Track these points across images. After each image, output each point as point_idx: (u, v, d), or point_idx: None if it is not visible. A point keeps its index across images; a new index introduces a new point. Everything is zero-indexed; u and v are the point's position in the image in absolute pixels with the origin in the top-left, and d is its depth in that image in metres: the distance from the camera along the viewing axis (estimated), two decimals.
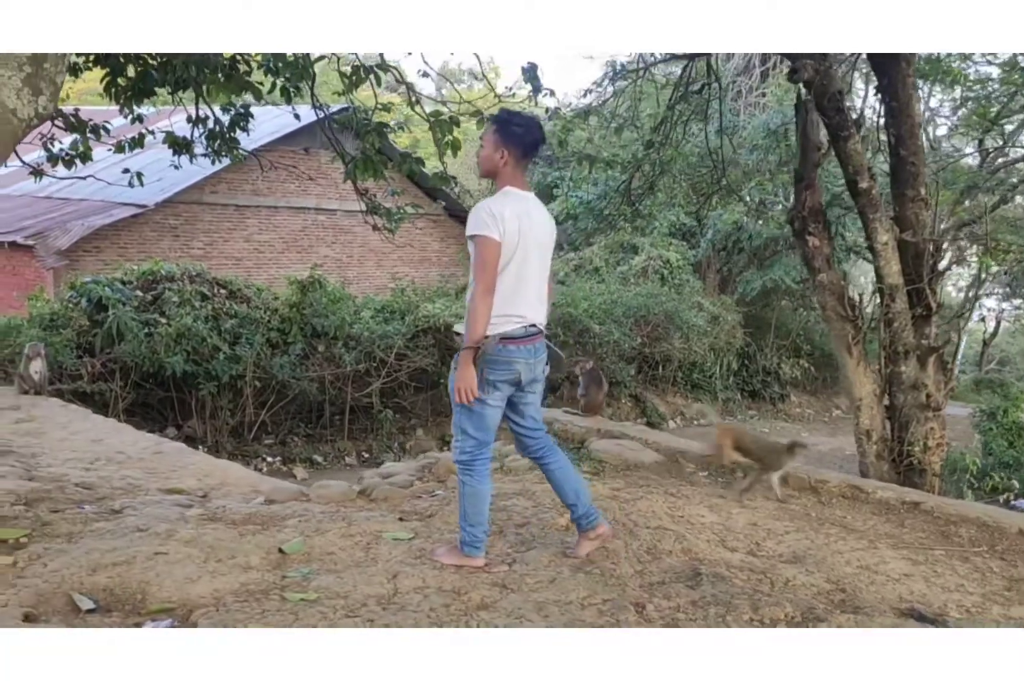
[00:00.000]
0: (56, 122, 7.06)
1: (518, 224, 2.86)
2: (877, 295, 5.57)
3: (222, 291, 9.09)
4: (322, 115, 6.53)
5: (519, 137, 2.92)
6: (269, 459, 9.33)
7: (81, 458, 5.23)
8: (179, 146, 6.90)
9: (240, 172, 15.00)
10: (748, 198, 11.40)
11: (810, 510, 4.04)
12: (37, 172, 7.39)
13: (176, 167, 6.92)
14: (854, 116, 5.36)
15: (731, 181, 6.74)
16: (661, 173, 6.98)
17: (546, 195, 20.03)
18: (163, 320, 8.41)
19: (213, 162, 7.07)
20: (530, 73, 4.94)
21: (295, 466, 9.34)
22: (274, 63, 6.28)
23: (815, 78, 4.96)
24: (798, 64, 4.97)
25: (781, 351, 17.59)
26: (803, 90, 5.30)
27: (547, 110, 6.33)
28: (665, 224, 16.73)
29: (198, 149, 6.86)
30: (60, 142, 7.32)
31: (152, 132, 6.88)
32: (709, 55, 6.13)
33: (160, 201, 13.86)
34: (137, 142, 6.96)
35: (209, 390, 8.61)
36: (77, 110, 7.03)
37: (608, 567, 2.99)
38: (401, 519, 3.46)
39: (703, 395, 16.12)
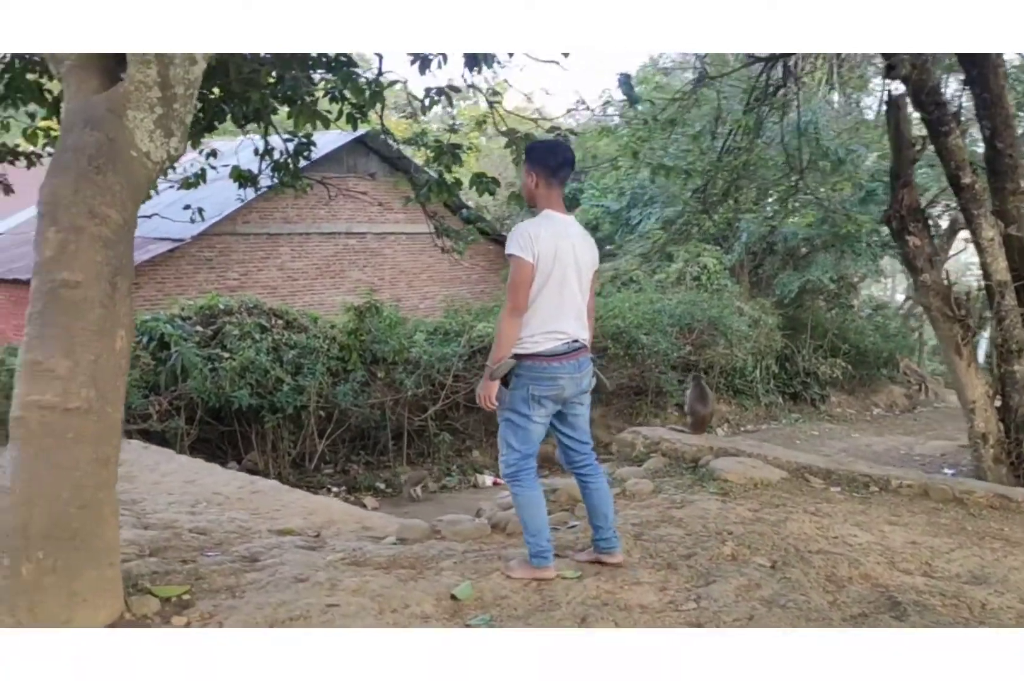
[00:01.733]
0: None
1: (555, 245, 2.97)
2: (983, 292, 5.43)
3: (279, 322, 9.02)
4: (390, 140, 6.45)
5: (543, 159, 3.08)
6: (335, 489, 9.22)
7: (182, 501, 5.13)
8: (244, 179, 6.85)
9: (271, 201, 14.99)
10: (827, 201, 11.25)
11: (963, 523, 3.89)
12: None
13: (241, 200, 6.86)
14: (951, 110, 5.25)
15: (808, 184, 6.64)
16: (738, 178, 6.87)
17: (569, 205, 20.03)
18: (226, 354, 8.34)
19: (277, 193, 7.01)
20: (624, 83, 4.83)
21: (361, 495, 9.23)
22: (340, 89, 6.22)
23: (912, 73, 4.86)
24: (895, 60, 4.87)
25: (818, 351, 17.41)
26: (892, 87, 5.19)
27: (613, 125, 6.24)
28: (698, 230, 16.61)
29: (263, 180, 6.80)
30: None
31: (215, 167, 6.83)
32: (788, 56, 6.04)
33: (196, 234, 13.85)
34: (200, 177, 6.92)
35: (274, 422, 8.53)
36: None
37: (799, 599, 2.86)
38: (557, 555, 3.33)
39: (746, 400, 15.95)
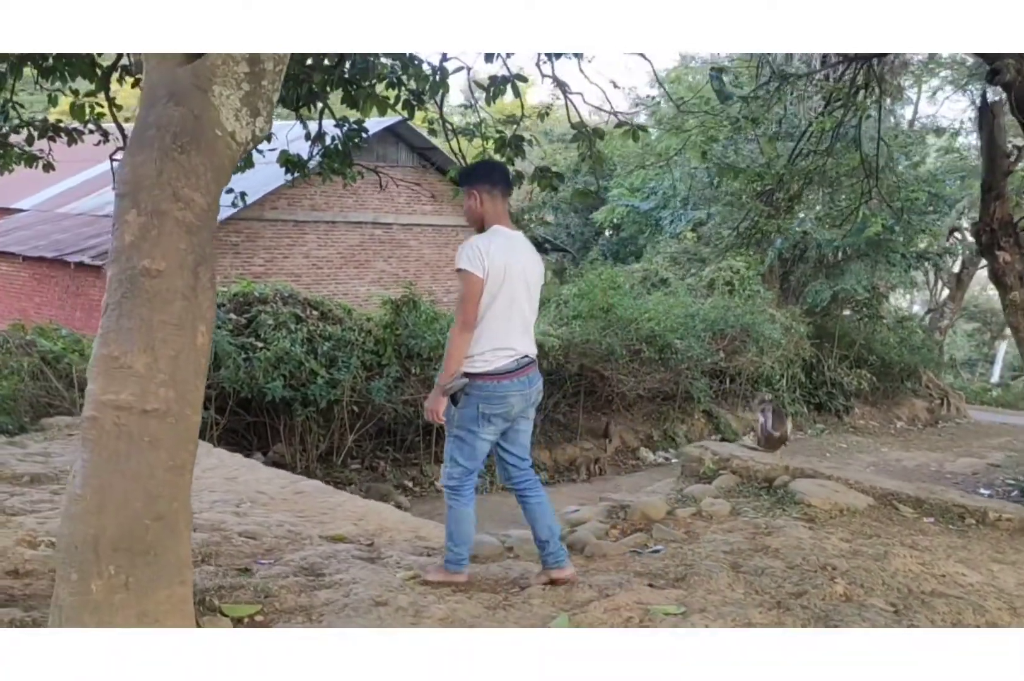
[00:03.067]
0: None
1: (505, 260, 2.98)
2: None
3: (314, 312, 8.78)
4: (449, 128, 6.19)
5: (484, 176, 3.13)
6: (364, 484, 8.99)
7: (225, 500, 4.89)
8: (292, 164, 6.60)
9: (299, 187, 14.75)
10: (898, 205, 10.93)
11: None
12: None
13: (291, 185, 6.60)
14: None
15: (883, 190, 6.36)
16: (809, 182, 6.60)
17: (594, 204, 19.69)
18: (259, 344, 8.10)
19: (324, 180, 6.76)
20: (716, 78, 4.56)
21: (391, 493, 9.00)
22: (398, 76, 5.97)
23: (1016, 79, 4.58)
24: (999, 64, 4.59)
25: (844, 362, 17.14)
26: (986, 94, 4.91)
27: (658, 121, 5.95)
28: (733, 234, 16.31)
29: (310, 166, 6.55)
30: None
31: (261, 152, 6.57)
32: (872, 57, 5.75)
33: (224, 218, 13.62)
34: (247, 163, 6.67)
35: (305, 415, 8.29)
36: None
37: None
38: (651, 585, 3.08)
39: None
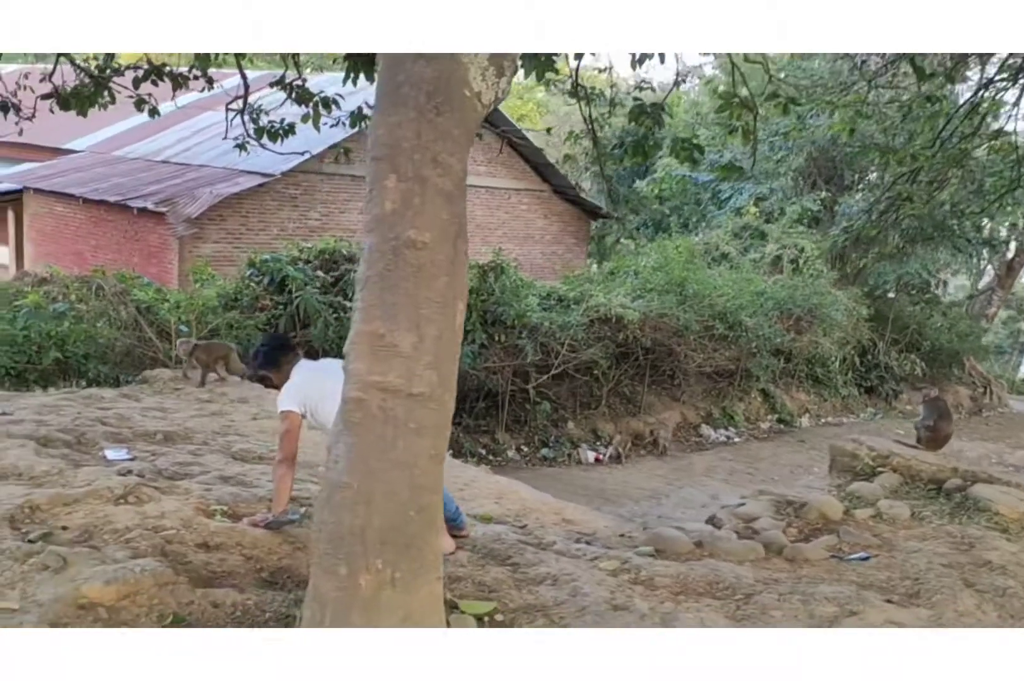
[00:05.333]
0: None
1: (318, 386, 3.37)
2: None
3: None
4: (584, 93, 5.88)
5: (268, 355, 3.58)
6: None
7: None
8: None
9: (357, 141, 14.42)
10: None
11: None
12: (240, 146, 6.89)
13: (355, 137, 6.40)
14: None
15: None
16: (954, 166, 6.27)
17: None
18: (347, 303, 7.89)
19: None
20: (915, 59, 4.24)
21: (465, 461, 8.86)
22: None
23: None
24: None
25: (895, 346, 16.86)
26: None
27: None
28: (795, 210, 15.93)
29: None
30: (266, 114, 6.79)
31: (335, 106, 6.32)
32: None
33: (285, 170, 13.31)
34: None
35: None
36: (304, 81, 6.44)
37: None
38: (889, 601, 2.89)
39: (824, 391, 15.47)
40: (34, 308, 6.39)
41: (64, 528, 2.99)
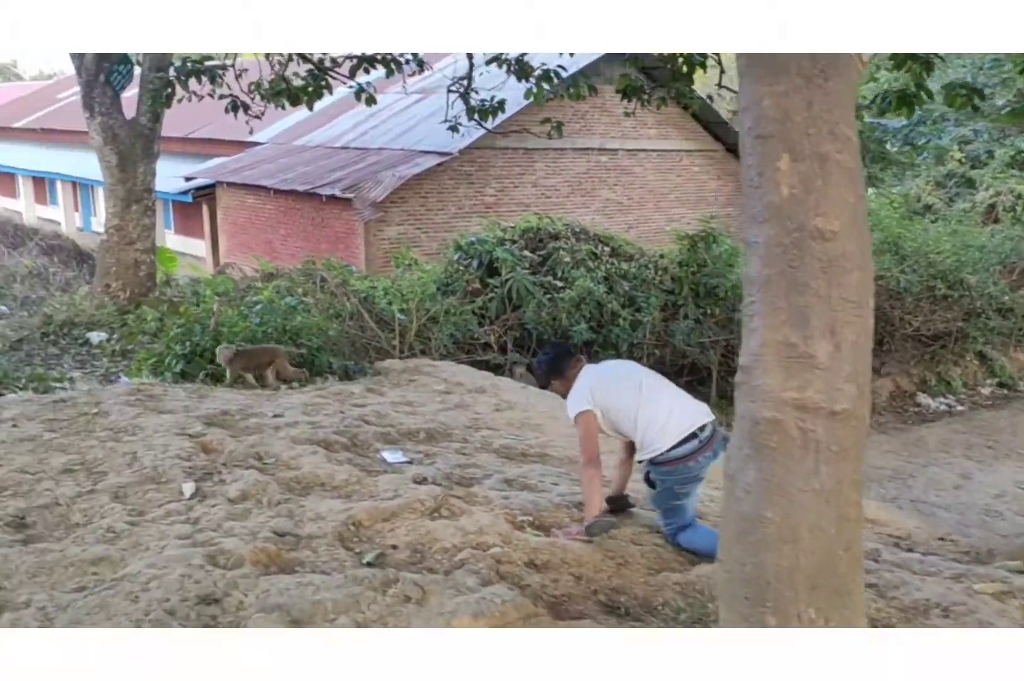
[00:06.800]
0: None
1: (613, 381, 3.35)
2: None
3: (605, 249, 8.22)
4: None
5: (559, 367, 3.48)
6: None
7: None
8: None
9: (529, 114, 14.13)
10: None
11: None
12: (453, 128, 6.79)
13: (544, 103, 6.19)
14: None
15: None
16: None
17: None
18: (559, 283, 7.65)
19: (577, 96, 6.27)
20: None
21: None
22: None
23: None
24: None
25: None
26: None
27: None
28: (1008, 152, 14.40)
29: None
30: (476, 92, 6.61)
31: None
32: None
33: (463, 147, 13.21)
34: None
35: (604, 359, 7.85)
36: (523, 55, 6.20)
37: None
38: None
39: None
40: (267, 303, 6.50)
41: (394, 547, 2.87)
